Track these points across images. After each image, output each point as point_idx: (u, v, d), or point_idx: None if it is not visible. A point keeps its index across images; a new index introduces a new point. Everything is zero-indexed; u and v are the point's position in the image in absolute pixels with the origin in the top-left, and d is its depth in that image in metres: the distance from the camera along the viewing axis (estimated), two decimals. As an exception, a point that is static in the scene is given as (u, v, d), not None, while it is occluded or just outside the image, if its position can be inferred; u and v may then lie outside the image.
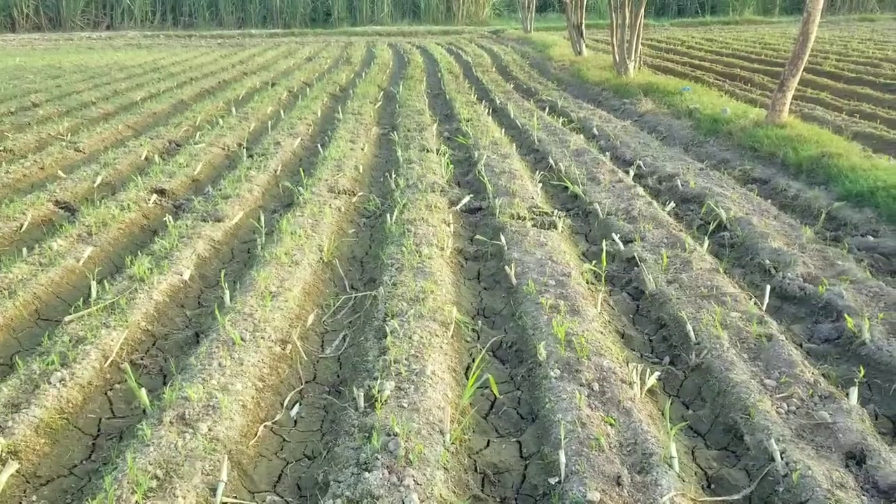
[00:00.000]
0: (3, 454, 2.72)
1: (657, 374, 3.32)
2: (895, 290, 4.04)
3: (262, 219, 5.54)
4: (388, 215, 5.57)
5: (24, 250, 4.85)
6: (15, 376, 3.25)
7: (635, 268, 4.57)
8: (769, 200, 5.96)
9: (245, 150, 8.10)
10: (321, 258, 4.86)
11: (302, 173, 6.91)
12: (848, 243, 4.90)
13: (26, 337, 3.91)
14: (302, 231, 5.15)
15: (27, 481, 2.71)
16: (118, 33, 31.24)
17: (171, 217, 5.62)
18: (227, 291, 4.11)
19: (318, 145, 8.32)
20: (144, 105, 11.29)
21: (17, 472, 2.69)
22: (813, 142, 6.89)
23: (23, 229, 5.43)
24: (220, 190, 6.30)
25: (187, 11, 34.31)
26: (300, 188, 6.33)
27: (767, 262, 4.52)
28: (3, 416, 2.94)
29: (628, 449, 2.78)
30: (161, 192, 6.37)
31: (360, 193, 6.54)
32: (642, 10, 12.45)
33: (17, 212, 5.64)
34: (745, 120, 8.08)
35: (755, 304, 3.96)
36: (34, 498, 2.66)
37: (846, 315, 3.72)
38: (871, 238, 4.98)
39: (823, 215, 5.40)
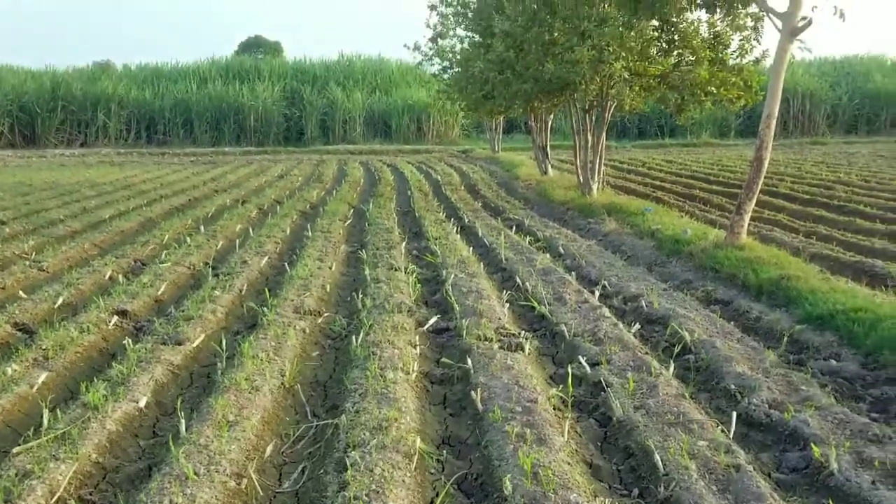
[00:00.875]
0: None
1: (625, 508, 3.23)
2: (860, 416, 4.04)
3: (224, 342, 5.44)
4: (353, 337, 5.52)
5: (-25, 376, 4.68)
6: (-50, 517, 3.06)
7: (602, 392, 4.54)
8: (732, 322, 6.03)
9: (211, 269, 8.08)
10: (283, 383, 4.76)
11: (267, 293, 6.87)
12: (811, 367, 4.93)
13: (-32, 471, 3.71)
14: (264, 354, 5.06)
15: None
16: (92, 150, 31.68)
17: (130, 340, 5.50)
18: (182, 421, 3.98)
19: (286, 264, 8.32)
20: (112, 223, 11.29)
21: None
22: (772, 264, 7.06)
23: (-25, 353, 5.27)
24: (183, 311, 6.22)
25: (162, 130, 35.04)
26: (265, 309, 6.27)
27: (733, 386, 4.52)
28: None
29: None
30: (122, 314, 6.27)
31: (326, 314, 6.49)
32: (604, 132, 12.99)
33: (-29, 334, 5.49)
34: (705, 241, 8.30)
35: (722, 431, 3.92)
36: None
37: (813, 444, 3.69)
38: (833, 362, 5.03)
39: (786, 338, 5.46)
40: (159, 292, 7.02)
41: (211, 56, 41.22)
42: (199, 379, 5.10)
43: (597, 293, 6.86)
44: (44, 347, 5.24)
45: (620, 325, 5.83)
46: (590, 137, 13.12)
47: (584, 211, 11.89)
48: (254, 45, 50.90)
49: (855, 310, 5.56)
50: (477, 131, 36.56)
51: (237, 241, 9.77)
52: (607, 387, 4.53)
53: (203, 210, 12.66)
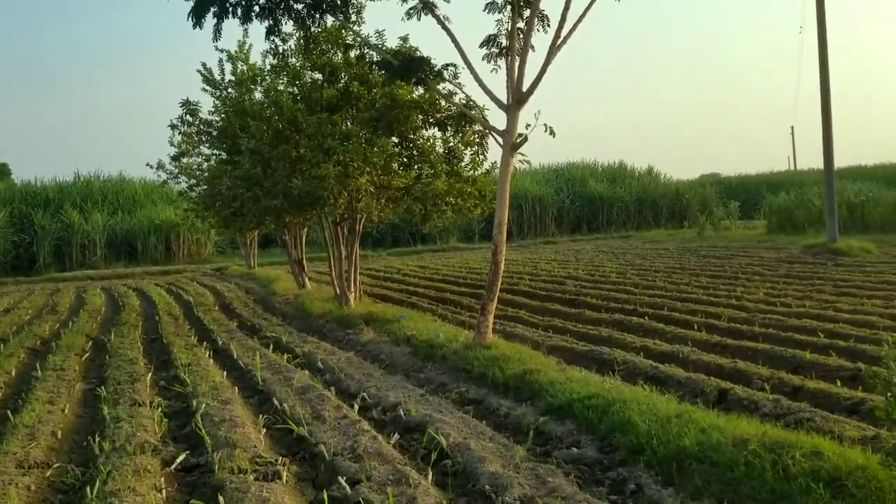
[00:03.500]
0: None
1: None
2: (601, 501, 4.34)
3: (-77, 516, 4.61)
4: (88, 489, 4.94)
5: None
6: None
7: (363, 512, 4.45)
8: (484, 421, 6.29)
9: None
10: (-1, 556, 4.10)
11: (-17, 449, 5.97)
12: (556, 457, 5.25)
13: None
14: (-25, 525, 4.35)
15: None
16: None
17: None
18: None
19: (9, 411, 7.33)
20: None
21: None
22: (516, 360, 7.54)
23: None
24: None
25: None
26: (-21, 469, 5.44)
27: (487, 487, 4.66)
28: None
29: None
30: None
31: (56, 465, 5.77)
32: (356, 243, 13.32)
33: None
34: (456, 343, 8.68)
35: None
36: None
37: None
38: (574, 450, 5.41)
39: (532, 432, 5.79)
40: None
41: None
42: None
43: (356, 406, 6.83)
44: None
45: (380, 438, 5.83)
46: (343, 249, 13.38)
47: (343, 322, 11.95)
48: (-24, 167, 46.21)
49: (588, 397, 6.07)
50: (232, 247, 35.69)
51: (-54, 390, 8.48)
52: (367, 505, 4.46)
53: None
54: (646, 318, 10.41)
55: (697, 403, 6.11)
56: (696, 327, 9.44)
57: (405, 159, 12.83)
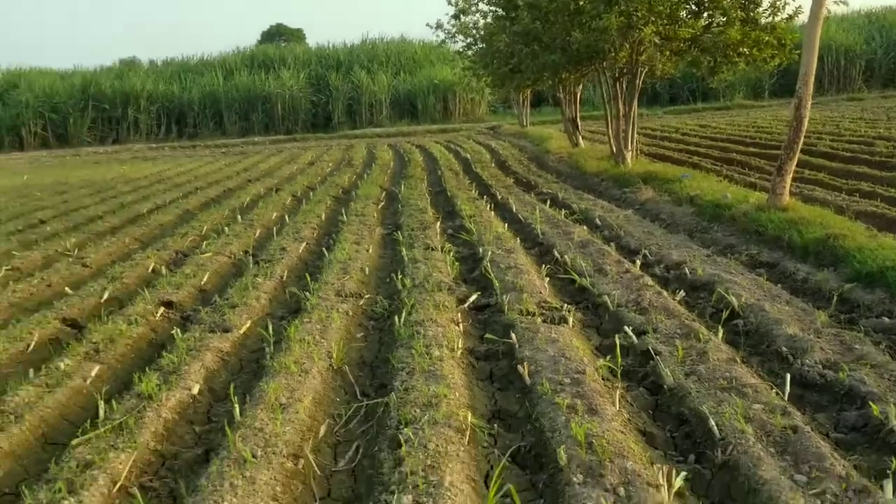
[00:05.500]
0: None
1: (683, 474, 3.20)
2: (918, 373, 3.95)
3: (270, 327, 5.50)
4: (396, 317, 5.54)
5: (31, 371, 4.79)
6: (20, 508, 3.14)
7: (650, 361, 4.49)
8: (779, 285, 5.92)
9: (251, 257, 8.16)
10: (331, 365, 4.80)
11: (308, 278, 6.92)
12: (863, 326, 4.83)
13: (33, 463, 3.81)
14: (310, 338, 5.10)
15: None
16: (124, 147, 32.14)
17: (178, 330, 5.59)
18: (236, 406, 4.03)
19: (324, 249, 8.36)
20: (151, 217, 11.45)
21: None
22: (817, 224, 6.91)
23: (29, 349, 5.39)
24: (227, 299, 6.30)
25: (191, 123, 35.43)
26: (307, 293, 6.33)
27: (784, 349, 4.44)
28: (7, 552, 2.82)
29: (660, 558, 2.65)
30: (168, 305, 6.37)
31: (367, 296, 6.52)
32: (636, 100, 12.79)
33: (24, 332, 5.62)
34: (746, 205, 8.15)
35: (777, 394, 3.86)
36: None
37: (870, 402, 3.62)
38: (885, 319, 4.92)
39: (835, 298, 5.35)
40: (202, 282, 7.11)
41: (235, 47, 41.52)
42: (249, 364, 5.16)
43: (638, 262, 6.79)
44: (94, 341, 5.33)
45: (665, 294, 5.76)
46: (621, 106, 12.92)
47: (619, 181, 11.75)
48: (276, 34, 51.07)
49: (906, 266, 5.42)
50: (504, 107, 36.31)
51: (274, 228, 9.86)
52: (656, 355, 4.49)
53: (238, 200, 12.77)
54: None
55: None
56: None
57: (694, 6, 11.78)
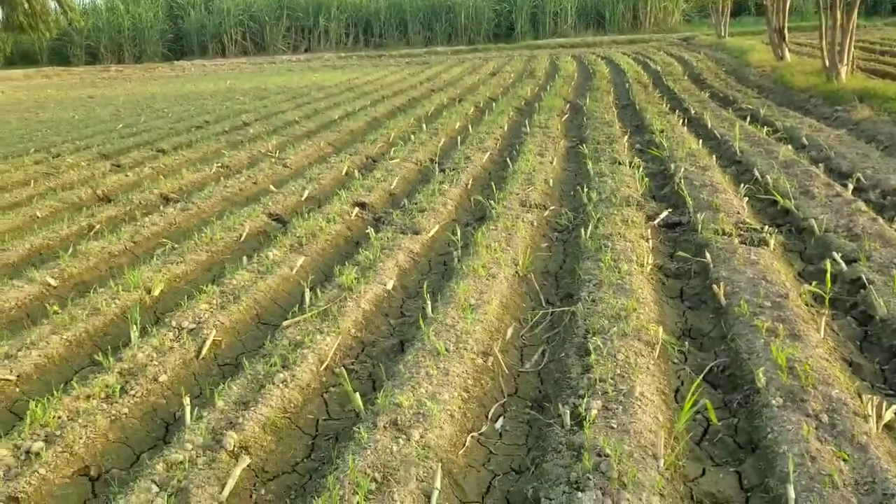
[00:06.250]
0: (236, 448, 2.93)
1: (894, 407, 2.99)
2: None
3: (458, 232, 5.64)
4: (581, 230, 5.47)
5: (245, 259, 5.26)
6: (242, 376, 3.50)
7: (861, 290, 4.16)
8: None
9: (437, 164, 8.34)
10: (516, 272, 4.86)
11: (493, 187, 6.98)
12: None
13: (249, 339, 4.23)
14: (496, 244, 5.18)
15: (256, 476, 2.91)
16: (315, 55, 33.50)
17: (372, 229, 5.88)
18: (428, 303, 4.21)
19: (507, 159, 8.37)
20: (342, 123, 11.96)
21: (247, 466, 2.88)
22: None
23: (242, 239, 5.91)
24: (416, 203, 6.51)
25: (377, 32, 36.17)
26: (492, 202, 6.40)
27: None
28: (235, 413, 3.17)
29: (865, 488, 2.52)
30: (362, 206, 6.69)
31: (551, 207, 6.49)
32: (856, 8, 11.45)
33: (236, 223, 6.16)
34: None
35: None
36: (263, 492, 2.85)
37: None
38: None
39: None
40: (392, 186, 7.39)
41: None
42: (437, 266, 5.35)
43: (850, 186, 6.21)
44: (297, 235, 5.74)
45: (880, 221, 5.26)
46: (838, 14, 11.62)
47: (831, 98, 10.70)
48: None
49: None
50: (700, 16, 33.91)
51: (458, 137, 9.97)
52: (868, 283, 4.14)
53: (423, 109, 13.01)
54: None
55: None
56: None
57: None
